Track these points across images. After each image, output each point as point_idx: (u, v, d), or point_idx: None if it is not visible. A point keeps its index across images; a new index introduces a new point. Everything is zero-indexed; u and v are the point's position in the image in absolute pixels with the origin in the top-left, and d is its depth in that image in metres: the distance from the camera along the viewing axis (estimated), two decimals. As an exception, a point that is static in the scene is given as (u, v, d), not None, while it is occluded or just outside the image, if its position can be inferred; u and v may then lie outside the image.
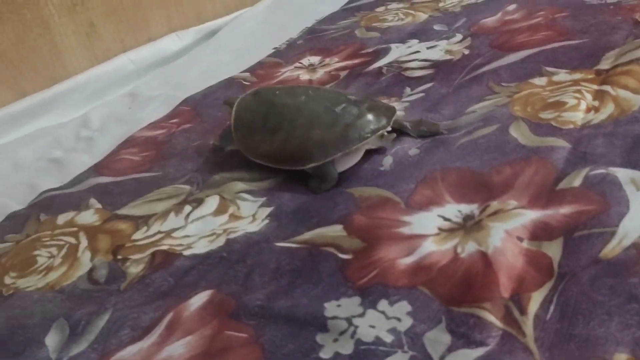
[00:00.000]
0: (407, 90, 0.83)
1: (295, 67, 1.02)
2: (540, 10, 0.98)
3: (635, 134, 0.61)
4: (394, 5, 1.21)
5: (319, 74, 0.97)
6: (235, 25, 1.32)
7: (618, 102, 0.68)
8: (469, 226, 0.54)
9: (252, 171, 0.70)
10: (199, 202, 0.67)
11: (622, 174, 0.56)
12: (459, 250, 0.51)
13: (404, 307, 0.47)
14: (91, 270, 0.61)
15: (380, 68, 0.92)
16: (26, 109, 1.02)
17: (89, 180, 0.79)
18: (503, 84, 0.78)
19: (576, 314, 0.44)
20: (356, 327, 0.46)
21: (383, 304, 0.48)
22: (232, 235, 0.61)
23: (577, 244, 0.49)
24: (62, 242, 0.66)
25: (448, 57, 0.90)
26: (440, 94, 0.80)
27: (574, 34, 0.86)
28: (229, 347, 0.48)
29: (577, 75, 0.75)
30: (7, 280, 0.62)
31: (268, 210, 0.64)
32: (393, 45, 0.99)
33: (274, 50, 1.13)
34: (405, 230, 0.56)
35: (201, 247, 0.60)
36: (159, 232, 0.64)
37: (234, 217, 0.64)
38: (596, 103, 0.68)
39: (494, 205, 0.56)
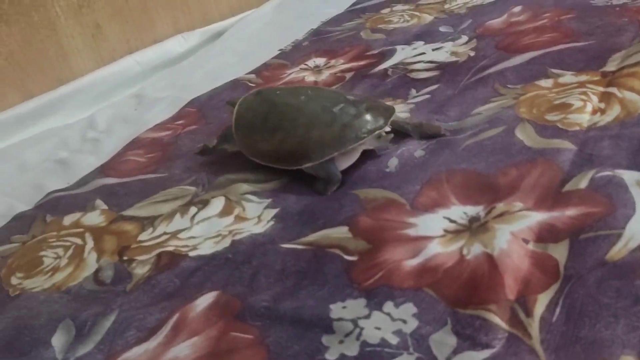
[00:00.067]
0: (413, 92, 0.83)
1: (301, 68, 1.02)
2: (546, 12, 0.98)
3: (642, 136, 0.61)
4: (399, 7, 1.21)
5: (325, 75, 0.97)
6: (241, 27, 1.33)
7: (624, 104, 0.67)
8: (474, 228, 0.54)
9: (257, 173, 0.71)
10: (204, 203, 0.67)
11: (629, 176, 0.56)
12: (464, 252, 0.51)
13: (409, 308, 0.47)
14: (97, 271, 0.61)
15: (385, 70, 0.92)
16: (33, 110, 1.03)
17: (95, 181, 0.80)
18: (509, 85, 0.78)
19: (582, 316, 0.44)
20: (362, 328, 0.46)
21: (389, 306, 0.48)
22: (237, 237, 0.61)
23: (583, 246, 0.49)
24: (68, 243, 0.66)
25: (454, 58, 0.90)
26: (445, 96, 0.80)
27: (579, 35, 0.86)
28: (235, 348, 0.48)
29: (583, 77, 0.75)
30: (14, 280, 0.62)
31: (273, 211, 0.64)
32: (398, 47, 0.99)
33: (279, 51, 1.14)
34: (410, 231, 0.56)
35: (207, 249, 0.60)
36: (165, 233, 0.64)
37: (240, 218, 0.64)
38: (602, 105, 0.68)
39: (500, 207, 0.56)
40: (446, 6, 1.14)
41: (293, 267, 0.55)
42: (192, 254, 0.60)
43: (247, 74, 1.05)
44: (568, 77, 0.76)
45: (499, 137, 0.67)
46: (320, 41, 1.13)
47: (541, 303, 0.45)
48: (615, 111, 0.67)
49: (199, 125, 0.90)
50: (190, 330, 0.50)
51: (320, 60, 1.03)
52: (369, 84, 0.89)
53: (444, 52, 0.93)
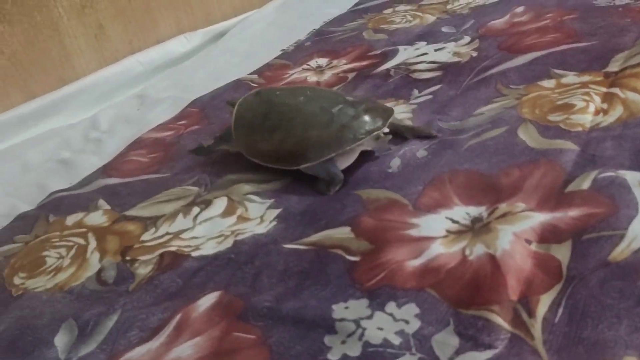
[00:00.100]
0: (415, 92, 0.83)
1: (303, 68, 1.02)
2: (548, 13, 0.98)
3: (644, 137, 0.61)
4: (401, 8, 1.21)
5: (327, 75, 0.97)
6: (243, 27, 1.33)
7: (627, 104, 0.67)
8: (477, 228, 0.54)
9: (259, 173, 0.71)
10: (207, 203, 0.67)
11: (631, 176, 0.55)
12: (467, 252, 0.51)
13: (412, 309, 0.47)
14: (100, 271, 0.61)
15: (388, 70, 0.92)
16: (35, 110, 1.03)
17: (97, 181, 0.80)
18: (511, 86, 0.78)
19: (585, 317, 0.43)
20: (364, 329, 0.46)
21: (391, 306, 0.48)
22: (240, 237, 0.61)
23: (586, 246, 0.49)
24: (71, 243, 0.66)
25: (456, 59, 0.90)
26: (448, 96, 0.80)
27: (582, 36, 0.86)
28: (237, 348, 0.48)
29: (586, 78, 0.75)
30: (17, 280, 0.63)
31: (276, 212, 0.64)
32: (401, 47, 0.99)
33: (281, 52, 1.14)
34: (413, 232, 0.56)
35: (209, 249, 0.60)
36: (168, 233, 0.64)
37: (242, 218, 0.64)
38: (605, 106, 0.68)
39: (503, 207, 0.56)
40: (448, 7, 1.14)
41: (295, 267, 0.55)
42: (194, 254, 0.60)
43: (249, 74, 1.05)
44: (571, 78, 0.76)
45: (501, 137, 0.67)
46: (323, 41, 1.13)
47: (544, 304, 0.45)
48: (617, 112, 0.66)
49: (201, 125, 0.90)
50: (193, 330, 0.50)
51: (322, 61, 1.03)
52: (372, 84, 0.89)
53: (446, 53, 0.93)
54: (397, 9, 1.21)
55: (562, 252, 0.49)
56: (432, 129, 0.72)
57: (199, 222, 0.65)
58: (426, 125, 0.73)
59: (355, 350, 0.45)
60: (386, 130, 0.68)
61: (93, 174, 0.82)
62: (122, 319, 0.53)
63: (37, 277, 0.62)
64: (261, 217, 0.64)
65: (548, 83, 0.76)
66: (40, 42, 1.05)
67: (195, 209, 0.67)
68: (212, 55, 1.22)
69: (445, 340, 0.44)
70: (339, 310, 0.49)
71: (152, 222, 0.67)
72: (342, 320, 0.48)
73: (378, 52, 1.00)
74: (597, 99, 0.70)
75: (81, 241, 0.66)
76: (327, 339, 0.47)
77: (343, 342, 0.46)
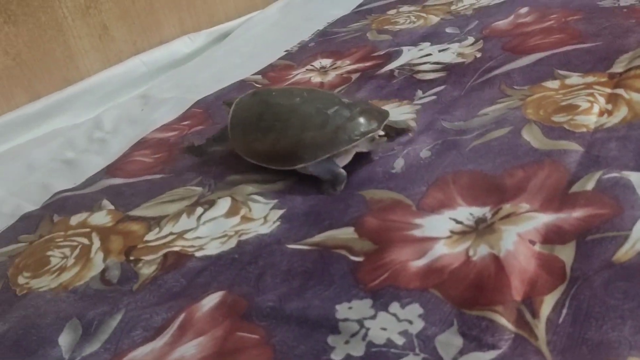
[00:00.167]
0: (419, 92, 0.83)
1: (307, 69, 1.02)
2: (552, 14, 0.98)
3: (649, 138, 0.61)
4: (405, 8, 1.21)
5: (331, 76, 0.97)
6: (247, 28, 1.33)
7: (631, 105, 0.67)
8: (481, 229, 0.54)
9: (263, 173, 0.71)
10: (210, 203, 0.67)
11: (635, 177, 0.55)
12: (471, 253, 0.51)
13: (415, 309, 0.47)
14: (104, 271, 0.61)
15: (392, 71, 0.92)
16: (40, 110, 1.03)
17: (101, 181, 0.80)
18: (515, 86, 0.78)
19: (589, 318, 0.43)
20: (367, 329, 0.46)
21: (395, 307, 0.48)
22: (243, 237, 0.61)
23: (590, 247, 0.49)
24: (75, 243, 0.67)
25: (460, 60, 0.90)
26: (452, 97, 0.80)
27: (586, 37, 0.86)
28: (241, 348, 0.48)
29: (590, 79, 0.75)
30: (21, 280, 0.63)
31: (280, 212, 0.64)
32: (405, 48, 0.99)
33: (285, 52, 1.14)
34: (416, 232, 0.56)
35: (213, 249, 0.60)
36: (171, 233, 0.64)
37: (246, 219, 0.64)
38: (609, 106, 0.68)
39: (507, 208, 0.56)
40: (452, 7, 1.14)
41: (299, 267, 0.55)
42: (198, 254, 0.60)
43: (253, 74, 1.05)
44: (575, 79, 0.76)
45: (505, 138, 0.67)
46: (327, 42, 1.13)
47: (548, 304, 0.45)
48: (622, 113, 0.66)
49: (205, 125, 0.90)
50: (197, 329, 0.50)
51: (326, 61, 1.03)
52: (375, 85, 0.89)
53: (450, 54, 0.93)
54: (400, 9, 1.21)
55: (566, 253, 0.49)
56: (408, 125, 0.74)
57: (203, 222, 0.65)
58: (402, 120, 0.74)
59: (358, 350, 0.45)
60: (381, 132, 0.69)
61: (97, 174, 0.83)
62: (126, 319, 0.53)
63: (41, 277, 0.62)
64: (265, 217, 0.64)
65: (552, 84, 0.76)
66: (44, 43, 1.05)
67: (199, 209, 0.67)
68: (216, 56, 1.22)
69: (449, 341, 0.44)
70: (342, 310, 0.49)
71: (156, 222, 0.67)
72: (345, 320, 0.48)
73: (382, 52, 1.00)
74: (602, 100, 0.69)
75: (85, 241, 0.67)
76: (331, 339, 0.47)
77: (346, 342, 0.46)
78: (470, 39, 0.96)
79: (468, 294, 0.47)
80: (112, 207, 0.72)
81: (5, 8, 1.00)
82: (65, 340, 0.53)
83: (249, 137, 0.71)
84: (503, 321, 0.44)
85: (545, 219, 0.53)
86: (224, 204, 0.67)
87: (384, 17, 1.19)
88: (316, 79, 0.97)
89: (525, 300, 0.46)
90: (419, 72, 0.89)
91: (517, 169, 0.61)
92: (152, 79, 1.17)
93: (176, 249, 0.62)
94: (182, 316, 0.52)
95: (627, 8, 0.93)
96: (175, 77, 1.15)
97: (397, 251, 0.54)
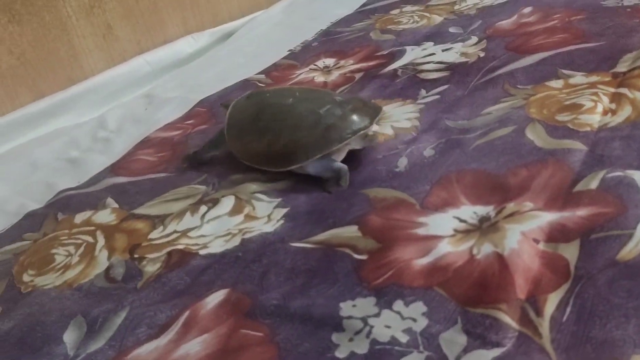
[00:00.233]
0: (422, 92, 0.83)
1: (310, 69, 1.02)
2: (556, 13, 0.98)
3: (653, 137, 0.61)
4: (408, 8, 1.21)
5: (334, 76, 0.97)
6: (251, 28, 1.33)
7: (635, 104, 0.67)
8: (484, 228, 0.54)
9: (266, 172, 0.71)
10: (214, 202, 0.68)
11: (640, 176, 0.55)
12: (474, 251, 0.51)
13: (419, 307, 0.47)
14: (108, 269, 0.61)
15: (395, 70, 0.92)
16: (44, 109, 1.03)
17: (105, 180, 0.80)
18: (519, 86, 0.78)
19: (593, 316, 0.43)
20: (372, 327, 0.47)
21: (398, 305, 0.48)
22: (247, 235, 0.61)
23: (594, 246, 0.49)
24: (79, 241, 0.67)
25: (463, 59, 0.90)
26: (455, 96, 0.80)
27: (590, 36, 0.86)
28: (245, 345, 0.48)
29: (594, 78, 0.75)
30: (26, 278, 0.63)
31: (283, 210, 0.64)
32: (408, 48, 0.99)
33: (288, 52, 1.14)
34: (420, 231, 0.56)
35: (217, 247, 0.61)
36: (175, 231, 0.64)
37: (250, 217, 0.64)
38: (613, 106, 0.68)
39: (510, 207, 0.56)
40: (456, 7, 1.14)
41: (303, 265, 0.55)
42: (202, 252, 0.60)
43: (256, 74, 1.06)
44: (579, 78, 0.76)
45: (509, 137, 0.67)
46: (330, 42, 1.14)
47: (552, 303, 0.45)
48: (626, 112, 0.66)
49: (209, 125, 0.90)
50: (201, 327, 0.51)
51: (329, 61, 1.03)
52: (379, 85, 0.89)
53: (453, 53, 0.93)
54: (404, 9, 1.21)
55: (570, 252, 0.49)
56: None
57: (207, 220, 0.65)
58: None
59: (362, 347, 0.45)
60: (376, 127, 0.69)
61: (101, 172, 0.83)
62: (130, 316, 0.54)
63: (46, 275, 0.63)
64: (269, 215, 0.64)
65: (556, 83, 0.76)
66: (48, 42, 1.06)
67: (203, 208, 0.67)
68: (219, 55, 1.22)
69: (453, 339, 0.44)
70: (346, 308, 0.49)
71: (160, 220, 0.67)
72: (349, 318, 0.48)
73: (385, 52, 1.00)
74: (605, 99, 0.69)
75: (89, 239, 0.67)
76: (335, 337, 0.47)
77: (350, 340, 0.46)
78: (474, 39, 0.96)
79: (472, 292, 0.47)
80: (116, 205, 0.72)
81: (10, 7, 1.00)
82: (70, 337, 0.53)
83: (245, 139, 0.72)
84: (507, 319, 0.44)
85: (549, 217, 0.53)
86: (228, 203, 0.67)
87: (388, 17, 1.19)
88: (319, 78, 0.97)
89: (529, 299, 0.46)
90: (422, 71, 0.89)
91: (520, 167, 0.61)
92: (156, 78, 1.17)
93: (180, 247, 0.62)
94: (186, 314, 0.52)
95: (631, 8, 0.92)
96: (179, 77, 1.15)
97: (401, 249, 0.54)
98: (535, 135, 0.66)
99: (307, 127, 0.67)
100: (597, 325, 0.43)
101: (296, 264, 0.56)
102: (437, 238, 0.54)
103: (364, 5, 1.32)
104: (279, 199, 0.66)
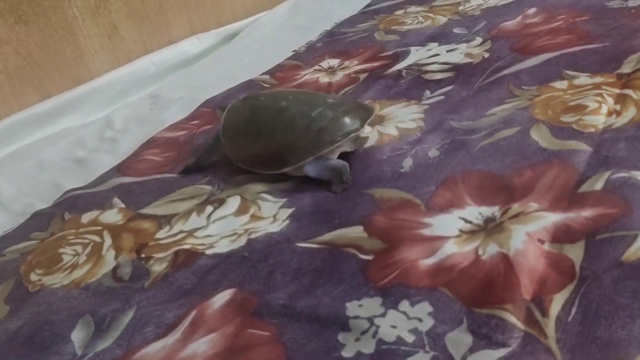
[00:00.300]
0: (427, 93, 0.83)
1: (315, 69, 1.02)
2: (560, 14, 0.98)
3: (658, 138, 0.61)
4: (413, 9, 1.21)
5: (339, 76, 0.97)
6: (255, 28, 1.33)
7: (640, 106, 0.67)
8: (490, 228, 0.54)
9: (273, 172, 0.71)
10: (220, 202, 0.68)
11: (645, 177, 0.56)
12: (480, 252, 0.52)
13: (425, 307, 0.48)
14: (115, 268, 0.62)
15: (399, 71, 0.92)
16: (50, 109, 1.04)
17: (112, 180, 0.80)
18: (524, 87, 0.78)
19: (598, 317, 0.44)
20: (378, 326, 0.47)
21: (404, 305, 0.48)
22: (253, 235, 0.62)
23: (599, 246, 0.49)
24: (86, 241, 0.67)
25: (468, 60, 0.90)
26: (460, 97, 0.80)
27: (594, 37, 0.86)
28: (252, 344, 0.48)
29: (598, 79, 0.75)
30: (33, 277, 0.63)
31: (289, 211, 0.64)
32: (412, 48, 0.99)
33: (293, 52, 1.14)
34: (426, 231, 0.56)
35: (223, 247, 0.61)
36: (182, 231, 0.65)
37: (255, 217, 0.65)
38: (618, 107, 0.68)
39: (515, 207, 0.56)
40: (460, 8, 1.14)
41: (309, 265, 0.56)
42: (208, 252, 0.61)
43: (261, 74, 1.06)
44: (583, 79, 0.76)
45: (513, 138, 0.67)
46: (334, 42, 1.14)
47: (557, 303, 0.45)
48: (630, 113, 0.67)
49: (214, 125, 0.90)
50: (208, 326, 0.51)
51: (334, 62, 1.03)
52: (383, 85, 0.89)
53: (458, 54, 0.93)
54: (408, 10, 1.22)
55: (576, 252, 0.49)
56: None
57: (213, 220, 0.65)
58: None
59: (369, 347, 0.45)
60: (369, 129, 0.70)
61: (107, 172, 0.83)
62: (138, 315, 0.54)
63: (53, 274, 0.63)
64: (274, 216, 0.64)
65: (560, 84, 0.76)
66: (55, 43, 1.06)
67: (209, 208, 0.67)
68: (224, 55, 1.23)
69: (459, 339, 0.44)
70: (352, 308, 0.49)
71: (166, 220, 0.67)
72: (355, 317, 0.48)
73: (390, 53, 1.01)
74: (610, 100, 0.70)
75: (97, 239, 0.67)
76: (341, 336, 0.47)
77: (357, 340, 0.46)
78: (478, 40, 0.96)
79: (477, 293, 0.48)
80: (122, 205, 0.73)
81: (17, 8, 1.00)
82: (78, 336, 0.54)
83: (239, 142, 0.72)
84: (513, 319, 0.45)
85: (554, 218, 0.53)
86: (234, 203, 0.67)
87: (392, 18, 1.19)
88: (324, 79, 0.98)
89: (534, 299, 0.46)
90: (427, 72, 0.90)
91: (525, 168, 0.61)
92: (161, 78, 1.17)
93: (187, 246, 0.62)
94: (193, 313, 0.53)
95: (635, 9, 0.93)
96: (184, 77, 1.15)
97: (406, 250, 0.54)
98: (540, 136, 0.66)
99: (299, 129, 0.68)
100: (603, 325, 0.43)
101: (302, 264, 0.56)
102: (442, 239, 0.55)
103: (368, 5, 1.32)
104: (285, 199, 0.66)
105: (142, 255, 0.62)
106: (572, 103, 0.71)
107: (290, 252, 0.58)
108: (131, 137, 0.93)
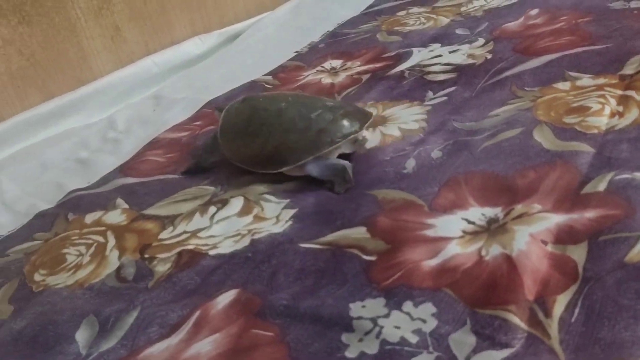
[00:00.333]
0: (430, 94, 0.84)
1: (317, 70, 1.02)
2: (563, 15, 0.98)
3: (661, 139, 0.61)
4: (415, 10, 1.22)
5: (341, 77, 0.97)
6: (257, 29, 1.34)
7: (643, 107, 0.67)
8: (493, 229, 0.54)
9: (275, 174, 0.71)
10: (223, 203, 0.68)
11: (647, 179, 0.56)
12: (483, 253, 0.52)
13: (428, 308, 0.48)
14: (119, 269, 0.62)
15: (402, 72, 0.92)
16: (53, 110, 1.04)
17: (115, 180, 0.81)
18: (526, 88, 0.78)
19: (601, 318, 0.44)
20: (381, 327, 0.47)
21: (408, 305, 0.48)
22: (256, 236, 0.62)
23: (602, 247, 0.49)
24: (90, 241, 0.67)
25: (470, 61, 0.90)
26: (463, 98, 0.80)
27: (597, 39, 0.86)
28: (256, 345, 0.49)
29: (601, 80, 0.75)
30: (37, 277, 0.64)
31: (292, 211, 0.64)
32: (415, 49, 1.00)
33: (295, 53, 1.14)
34: (429, 232, 0.56)
35: (226, 247, 0.61)
36: (185, 232, 0.65)
37: (258, 218, 0.65)
38: (620, 108, 0.68)
39: (519, 208, 0.56)
40: (462, 9, 1.14)
41: (312, 266, 0.56)
42: (212, 252, 0.61)
43: (263, 75, 1.06)
44: (586, 80, 0.76)
45: (516, 139, 0.67)
46: (337, 43, 1.14)
47: (560, 304, 0.46)
48: (633, 114, 0.67)
49: (216, 126, 0.90)
50: (212, 327, 0.51)
51: (336, 62, 1.04)
52: (386, 86, 0.90)
53: (460, 55, 0.93)
54: (410, 11, 1.22)
55: (579, 253, 0.50)
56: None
57: (216, 221, 0.66)
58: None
59: (372, 348, 0.46)
60: (365, 133, 0.71)
61: (110, 173, 0.83)
62: (142, 316, 0.54)
63: (57, 274, 0.63)
64: (277, 216, 0.64)
65: (563, 85, 0.76)
66: (58, 43, 1.06)
67: (212, 208, 0.68)
68: (226, 56, 1.23)
69: (462, 339, 0.45)
70: (356, 308, 0.49)
71: (169, 220, 0.67)
72: (359, 318, 0.48)
73: (392, 54, 1.01)
74: (613, 101, 0.70)
75: (100, 239, 0.67)
76: (345, 337, 0.47)
77: (360, 340, 0.46)
78: (481, 40, 0.96)
79: (481, 294, 0.48)
80: (126, 205, 0.73)
81: (20, 9, 1.01)
82: (82, 336, 0.54)
83: (238, 143, 0.73)
84: (516, 320, 0.45)
85: (557, 219, 0.54)
86: (237, 203, 0.67)
87: (394, 19, 1.20)
88: (327, 80, 0.98)
89: (537, 300, 0.46)
90: (429, 73, 0.90)
91: (528, 169, 0.61)
92: (164, 79, 1.18)
93: (190, 247, 0.62)
94: (197, 313, 0.53)
95: (638, 10, 0.93)
96: (187, 78, 1.15)
97: (409, 251, 0.54)
98: (543, 137, 0.66)
99: (298, 130, 0.68)
100: (606, 326, 0.43)
101: (305, 265, 0.56)
102: (445, 239, 0.55)
103: (370, 6, 1.33)
104: (287, 200, 0.66)
105: (146, 256, 0.63)
106: (575, 104, 0.71)
107: (293, 253, 0.58)
108: (134, 138, 0.93)
